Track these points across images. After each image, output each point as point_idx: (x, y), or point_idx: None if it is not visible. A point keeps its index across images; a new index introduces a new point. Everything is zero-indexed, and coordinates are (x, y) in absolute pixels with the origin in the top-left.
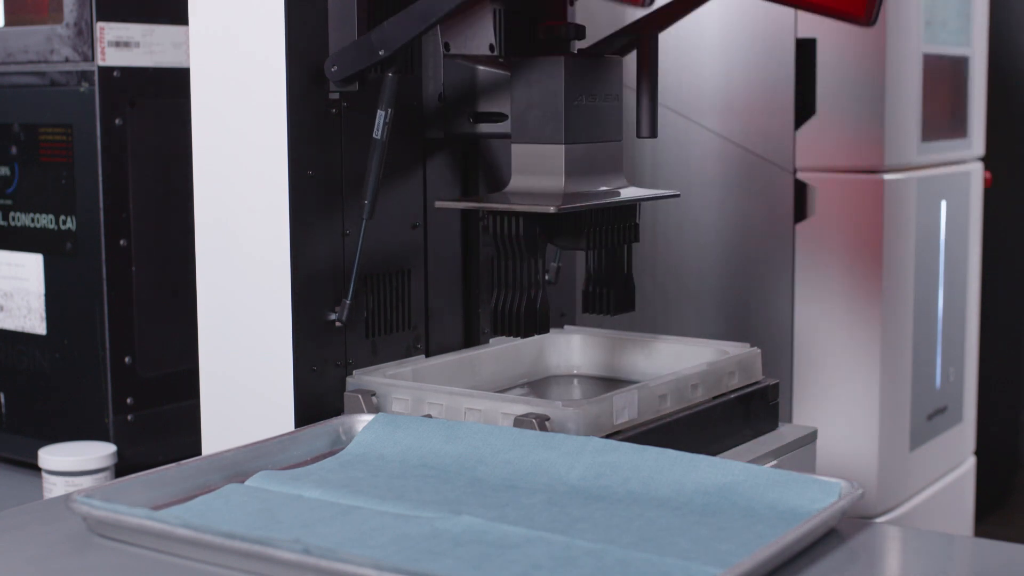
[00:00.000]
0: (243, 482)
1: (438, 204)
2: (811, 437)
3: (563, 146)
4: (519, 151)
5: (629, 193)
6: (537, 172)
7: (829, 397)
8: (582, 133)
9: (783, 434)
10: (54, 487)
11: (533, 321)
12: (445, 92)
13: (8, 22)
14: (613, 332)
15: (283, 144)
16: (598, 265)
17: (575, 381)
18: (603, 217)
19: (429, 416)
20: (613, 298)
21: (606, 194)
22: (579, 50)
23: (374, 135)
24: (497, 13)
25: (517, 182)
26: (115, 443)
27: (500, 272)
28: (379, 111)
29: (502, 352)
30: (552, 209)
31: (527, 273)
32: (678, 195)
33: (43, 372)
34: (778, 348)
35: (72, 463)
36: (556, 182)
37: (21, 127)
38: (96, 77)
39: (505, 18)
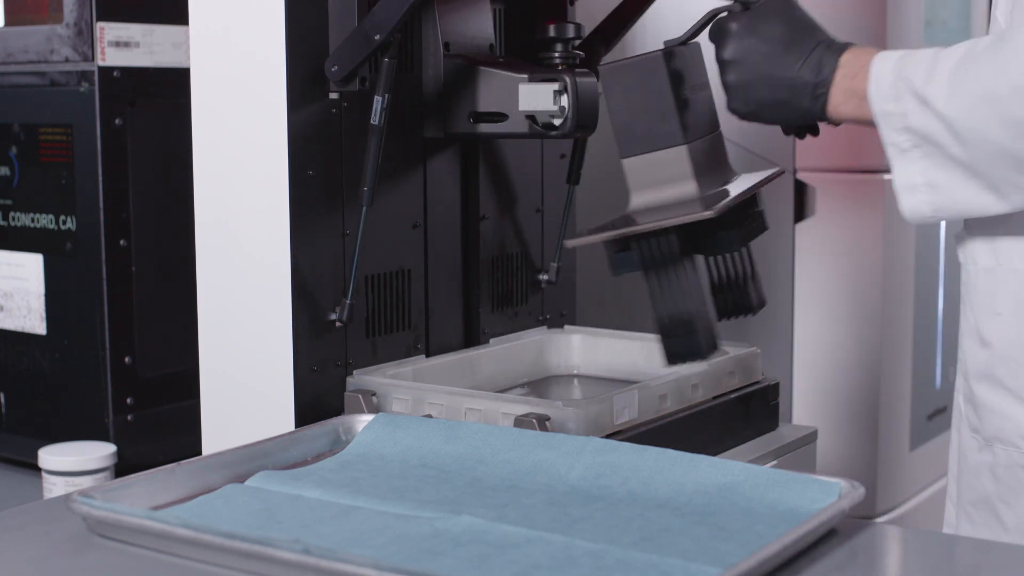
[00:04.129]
0: (243, 482)
1: (569, 243)
2: (811, 437)
3: (685, 147)
4: (634, 165)
5: (747, 181)
6: (660, 182)
7: (829, 397)
8: (696, 129)
9: (783, 434)
10: (54, 487)
11: (712, 338)
12: (445, 92)
13: (8, 22)
14: (613, 332)
15: (283, 144)
16: (723, 265)
17: (575, 381)
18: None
19: (429, 416)
20: (753, 295)
21: (736, 187)
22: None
23: (372, 121)
24: (497, 13)
25: (640, 199)
26: (115, 443)
27: (659, 296)
28: (376, 97)
29: (502, 352)
30: (710, 213)
31: (690, 289)
32: (783, 172)
33: (43, 372)
34: (778, 348)
35: (72, 463)
36: (687, 187)
37: (21, 127)
38: (96, 77)
39: (505, 18)
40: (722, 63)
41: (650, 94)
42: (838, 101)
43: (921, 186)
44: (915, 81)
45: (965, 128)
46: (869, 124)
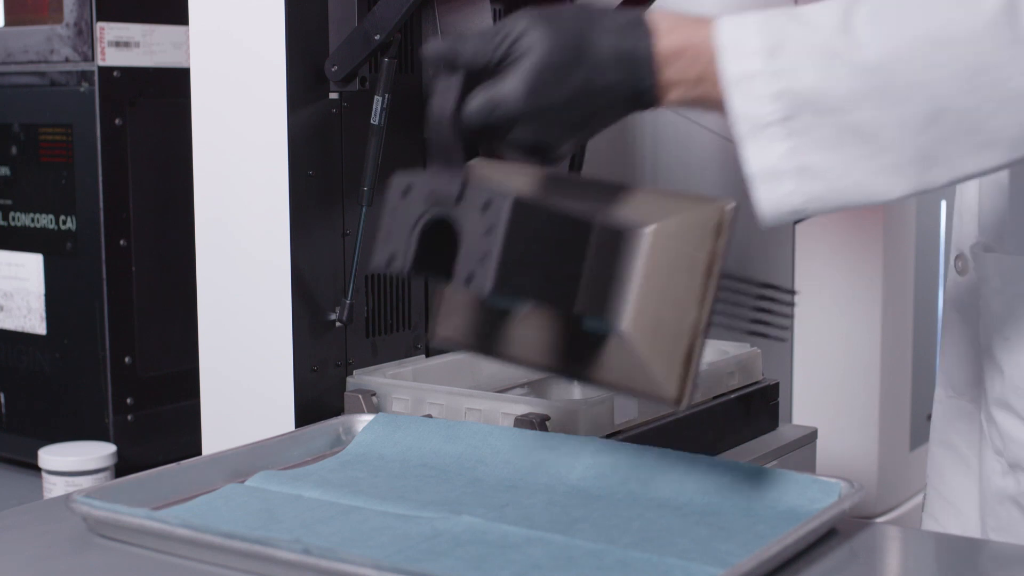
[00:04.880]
0: (243, 482)
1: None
2: (811, 437)
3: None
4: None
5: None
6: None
7: (829, 397)
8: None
9: (783, 434)
10: (54, 487)
11: None
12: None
13: (8, 22)
14: None
15: (283, 144)
16: None
17: (575, 381)
18: None
19: (429, 416)
20: None
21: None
22: None
23: (372, 121)
24: (497, 13)
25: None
26: (115, 443)
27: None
28: (376, 97)
29: None
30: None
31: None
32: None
33: (43, 372)
34: (778, 348)
35: (72, 463)
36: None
37: (21, 127)
38: (96, 77)
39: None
40: (508, 141)
41: (549, 241)
42: (673, 96)
43: (789, 172)
44: (810, 31)
45: (897, 83)
46: (698, 107)
